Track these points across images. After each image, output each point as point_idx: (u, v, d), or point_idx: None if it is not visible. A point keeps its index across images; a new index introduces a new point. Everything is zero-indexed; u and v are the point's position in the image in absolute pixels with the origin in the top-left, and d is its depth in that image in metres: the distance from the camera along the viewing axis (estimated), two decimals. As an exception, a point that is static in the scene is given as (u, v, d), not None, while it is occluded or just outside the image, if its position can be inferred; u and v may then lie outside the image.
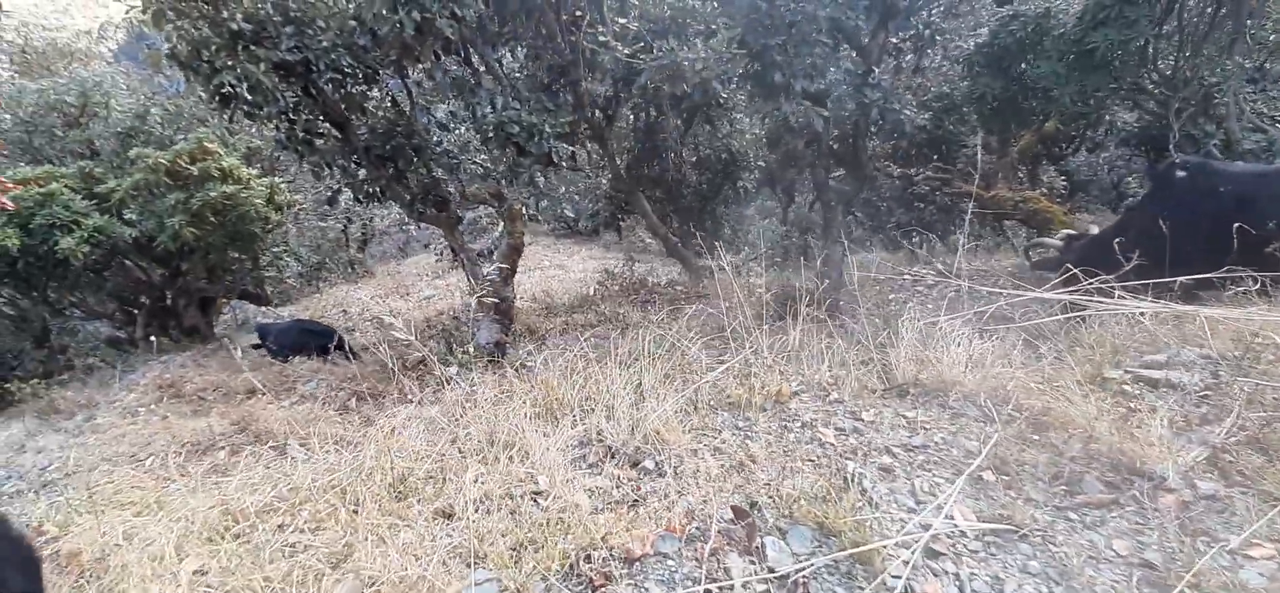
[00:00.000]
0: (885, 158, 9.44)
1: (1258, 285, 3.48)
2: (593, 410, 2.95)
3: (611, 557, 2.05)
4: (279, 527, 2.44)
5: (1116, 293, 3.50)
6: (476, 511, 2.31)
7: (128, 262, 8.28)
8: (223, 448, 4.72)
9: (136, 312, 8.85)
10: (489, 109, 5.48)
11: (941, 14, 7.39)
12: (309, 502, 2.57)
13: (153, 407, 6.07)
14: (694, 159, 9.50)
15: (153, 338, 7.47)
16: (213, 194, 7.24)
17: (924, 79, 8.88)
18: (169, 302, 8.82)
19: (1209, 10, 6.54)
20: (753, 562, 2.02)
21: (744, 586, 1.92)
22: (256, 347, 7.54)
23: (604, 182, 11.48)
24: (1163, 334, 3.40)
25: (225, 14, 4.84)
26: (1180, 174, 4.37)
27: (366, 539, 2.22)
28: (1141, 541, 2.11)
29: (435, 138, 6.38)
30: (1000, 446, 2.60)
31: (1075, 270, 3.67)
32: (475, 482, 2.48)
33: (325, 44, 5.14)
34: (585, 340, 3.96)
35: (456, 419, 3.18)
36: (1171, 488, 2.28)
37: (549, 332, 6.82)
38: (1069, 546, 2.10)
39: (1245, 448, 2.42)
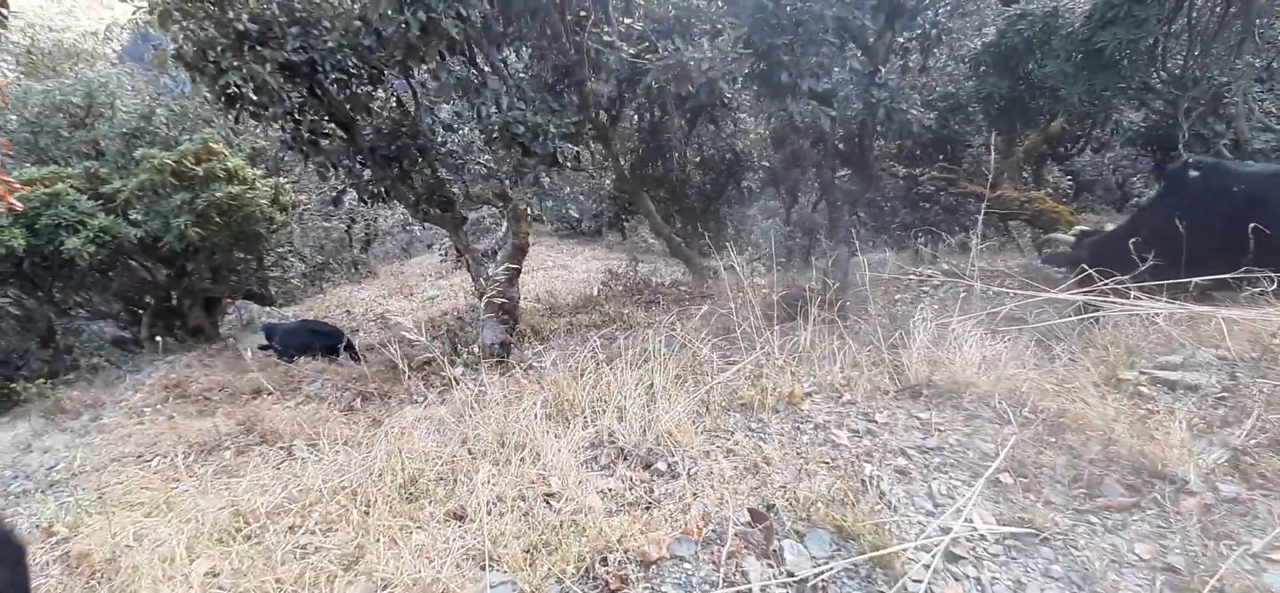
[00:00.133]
0: (890, 157, 9.39)
1: (1274, 286, 3.44)
2: (604, 412, 2.93)
3: (627, 560, 2.02)
4: (290, 528, 2.43)
5: (1131, 293, 3.48)
6: (489, 513, 2.29)
7: (133, 262, 8.30)
8: (229, 448, 4.72)
9: (142, 312, 8.87)
10: (494, 109, 5.48)
11: (948, 13, 7.36)
12: (320, 503, 2.56)
13: (158, 407, 6.07)
14: (698, 159, 9.49)
15: (158, 338, 7.48)
16: (218, 194, 7.25)
17: (930, 79, 8.84)
18: (174, 302, 8.85)
19: (1218, 9, 6.49)
20: (771, 565, 1.99)
21: (762, 589, 1.89)
22: (264, 348, 7.54)
23: (608, 182, 11.47)
24: (1177, 335, 3.37)
25: (231, 14, 4.84)
26: (1193, 174, 4.34)
27: (378, 541, 2.21)
28: (1164, 544, 2.08)
29: (440, 138, 6.38)
30: (1017, 448, 2.56)
31: (1089, 269, 3.64)
32: (487, 483, 2.46)
33: (330, 44, 5.14)
34: (595, 340, 3.93)
35: (465, 420, 3.16)
36: (1193, 491, 2.25)
37: (553, 332, 6.81)
38: (1091, 549, 2.07)
39: (1266, 450, 2.39)
